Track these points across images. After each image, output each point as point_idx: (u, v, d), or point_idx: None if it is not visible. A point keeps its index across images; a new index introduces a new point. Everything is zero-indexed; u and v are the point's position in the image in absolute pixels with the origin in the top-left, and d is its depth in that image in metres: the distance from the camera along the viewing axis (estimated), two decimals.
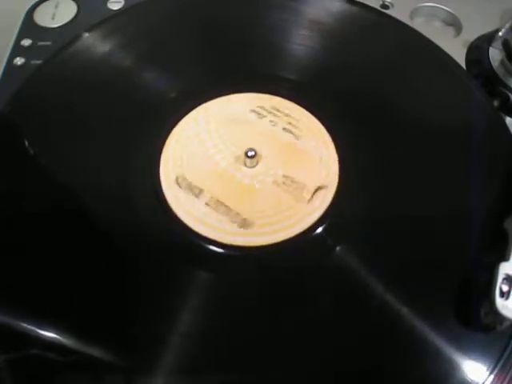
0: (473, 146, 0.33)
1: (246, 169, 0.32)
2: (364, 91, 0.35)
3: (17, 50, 0.39)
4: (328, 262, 0.29)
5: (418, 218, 0.30)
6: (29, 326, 0.26)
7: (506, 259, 0.26)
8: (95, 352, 0.26)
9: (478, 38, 0.39)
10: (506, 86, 0.35)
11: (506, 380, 0.26)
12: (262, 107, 0.34)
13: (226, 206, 0.30)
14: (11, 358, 0.26)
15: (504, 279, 0.25)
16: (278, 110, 0.34)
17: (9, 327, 0.27)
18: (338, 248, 0.29)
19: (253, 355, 0.27)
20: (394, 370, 0.27)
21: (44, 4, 0.42)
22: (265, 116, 0.34)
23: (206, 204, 0.30)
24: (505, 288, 0.25)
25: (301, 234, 0.29)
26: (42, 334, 0.26)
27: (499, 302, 0.25)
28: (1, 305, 0.28)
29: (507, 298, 0.25)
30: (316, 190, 0.31)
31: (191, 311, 0.27)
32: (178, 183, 0.31)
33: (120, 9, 0.41)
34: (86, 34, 0.37)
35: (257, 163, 0.32)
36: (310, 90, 0.35)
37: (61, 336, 0.26)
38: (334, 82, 0.35)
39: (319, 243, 0.29)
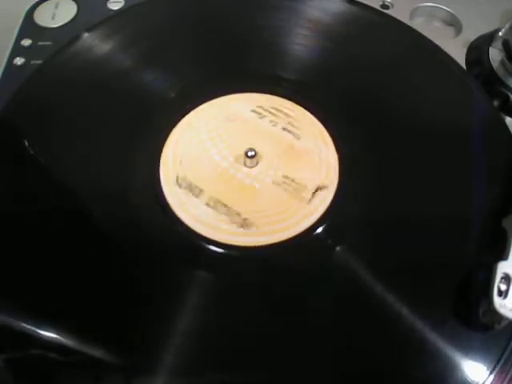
0: (473, 146, 0.33)
1: (246, 169, 0.32)
2: (364, 91, 0.35)
3: (17, 49, 0.39)
4: (328, 262, 0.29)
5: (418, 217, 0.30)
6: (29, 326, 0.26)
7: (504, 258, 0.26)
8: (95, 352, 0.26)
9: (478, 38, 0.39)
10: (506, 86, 0.35)
11: (506, 380, 0.26)
12: (261, 107, 0.34)
13: (226, 206, 0.30)
14: (11, 357, 0.26)
15: (502, 278, 0.25)
16: (278, 110, 0.34)
17: (9, 327, 0.27)
18: (338, 248, 0.29)
19: (253, 355, 0.27)
20: (394, 369, 0.27)
21: (44, 4, 0.42)
22: (265, 116, 0.34)
23: (206, 204, 0.30)
24: (503, 287, 0.25)
25: (301, 234, 0.29)
26: (41, 334, 0.26)
27: (497, 300, 0.25)
28: (1, 304, 0.28)
29: (505, 297, 0.25)
30: (316, 190, 0.31)
31: (191, 311, 0.27)
32: (178, 183, 0.31)
33: (120, 9, 0.41)
34: (86, 34, 0.37)
35: (257, 163, 0.32)
36: (310, 90, 0.35)
37: (61, 336, 0.26)
38: (333, 82, 0.35)
39: (319, 243, 0.29)
